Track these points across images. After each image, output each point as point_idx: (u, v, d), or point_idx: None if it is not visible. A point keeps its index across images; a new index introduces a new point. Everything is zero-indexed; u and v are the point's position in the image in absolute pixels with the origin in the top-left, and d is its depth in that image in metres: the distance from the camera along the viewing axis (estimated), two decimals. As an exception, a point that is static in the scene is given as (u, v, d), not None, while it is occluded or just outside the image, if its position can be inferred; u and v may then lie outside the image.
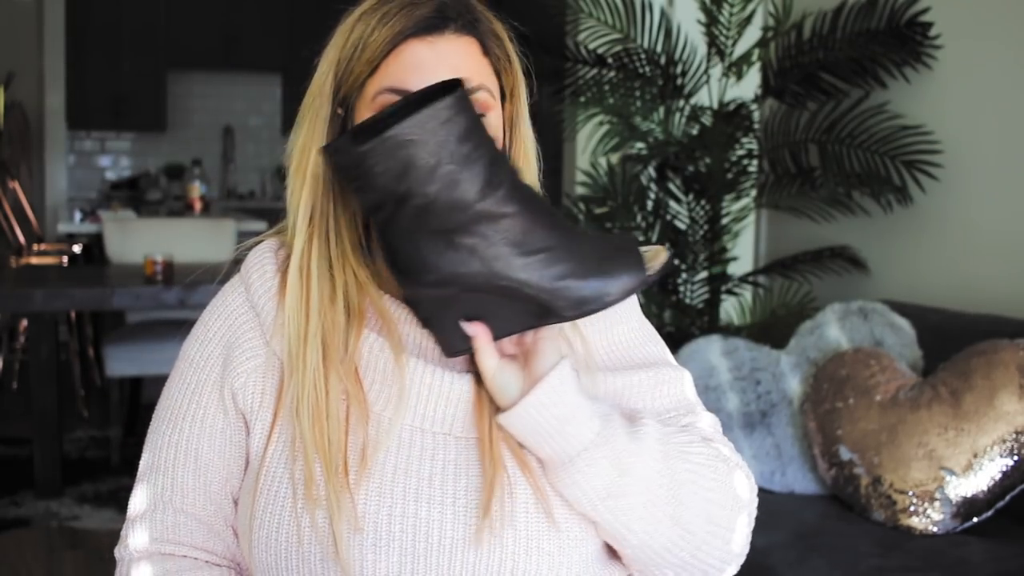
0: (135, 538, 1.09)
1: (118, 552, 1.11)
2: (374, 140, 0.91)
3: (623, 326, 1.14)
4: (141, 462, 1.12)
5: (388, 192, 0.93)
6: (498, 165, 0.95)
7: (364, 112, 1.03)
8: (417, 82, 1.00)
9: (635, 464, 0.99)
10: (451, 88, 0.95)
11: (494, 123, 1.05)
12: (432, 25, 1.01)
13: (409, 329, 1.06)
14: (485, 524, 0.99)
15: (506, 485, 1.01)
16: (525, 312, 0.98)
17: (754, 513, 1.09)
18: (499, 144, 1.06)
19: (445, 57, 1.01)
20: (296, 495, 1.01)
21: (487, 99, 1.04)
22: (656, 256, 1.00)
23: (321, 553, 0.99)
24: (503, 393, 0.99)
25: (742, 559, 1.09)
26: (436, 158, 0.92)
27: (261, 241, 1.14)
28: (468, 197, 0.93)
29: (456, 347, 1.00)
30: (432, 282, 0.96)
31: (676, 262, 3.28)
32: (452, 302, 0.97)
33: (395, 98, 1.01)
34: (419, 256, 0.95)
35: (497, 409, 1.02)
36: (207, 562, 1.09)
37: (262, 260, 1.11)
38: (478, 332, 0.98)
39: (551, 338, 0.99)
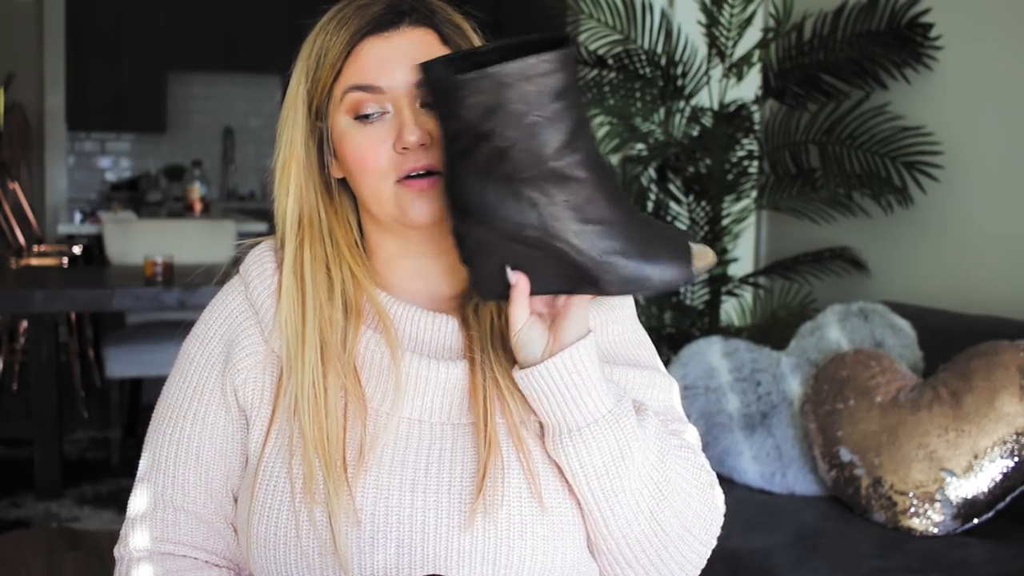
0: (135, 537, 1.10)
1: (118, 551, 1.11)
2: (476, 73, 0.91)
3: (617, 326, 1.14)
4: (141, 461, 1.12)
5: (471, 127, 0.94)
6: (582, 130, 0.95)
7: (337, 116, 1.05)
8: (378, 77, 1.03)
9: (636, 450, 1.00)
10: (560, 42, 0.95)
11: None
12: (386, 21, 1.04)
13: (405, 325, 1.08)
14: (478, 506, 1.00)
15: (500, 468, 1.02)
16: (567, 276, 0.97)
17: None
18: None
19: (402, 50, 1.04)
20: (294, 491, 1.02)
21: None
22: (704, 257, 1.00)
23: (319, 548, 1.00)
24: (526, 349, 1.00)
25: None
26: (527, 106, 0.92)
27: (260, 242, 1.15)
28: (545, 152, 0.93)
29: (492, 291, 0.99)
30: (487, 224, 0.96)
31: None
32: (499, 248, 0.97)
33: (361, 95, 1.03)
34: (481, 196, 0.95)
35: (507, 364, 1.04)
36: (207, 562, 1.10)
37: (261, 259, 1.12)
38: (519, 282, 0.98)
39: (582, 307, 1.00)
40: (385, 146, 1.03)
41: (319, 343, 1.04)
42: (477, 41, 1.09)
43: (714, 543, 1.09)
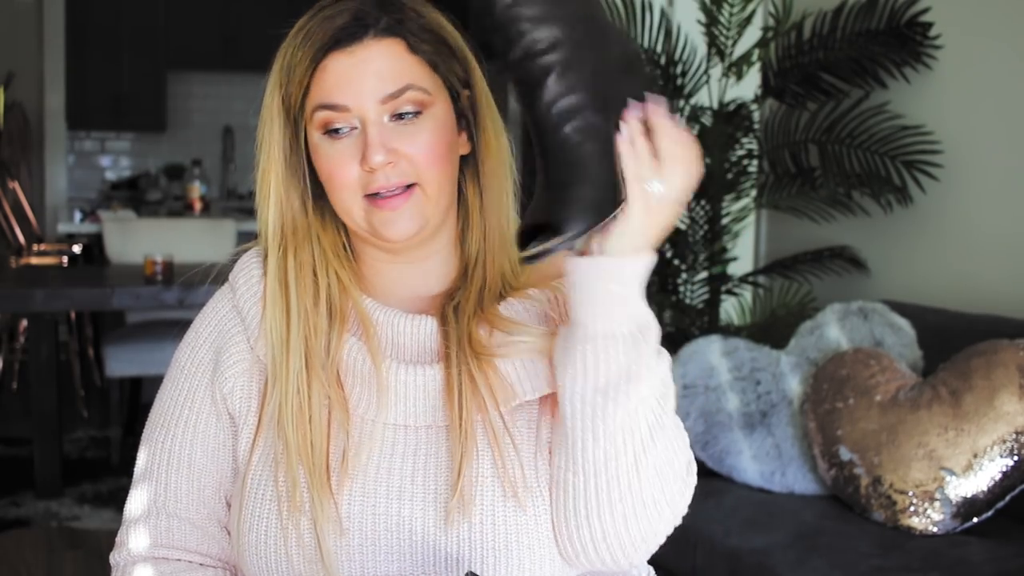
0: (131, 543, 1.10)
1: (113, 558, 1.12)
2: None
3: None
4: (136, 468, 1.13)
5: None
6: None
7: (310, 130, 1.05)
8: (343, 95, 1.01)
9: (643, 381, 0.96)
10: None
11: (440, 117, 1.04)
12: (350, 35, 1.02)
13: (386, 330, 1.07)
14: (454, 505, 0.99)
15: (475, 466, 1.01)
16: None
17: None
18: (448, 136, 1.06)
19: (367, 63, 1.02)
20: (281, 500, 1.02)
21: (419, 97, 1.03)
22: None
23: (307, 557, 1.01)
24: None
25: (644, 559, 1.05)
26: None
27: (249, 248, 1.15)
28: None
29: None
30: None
31: (676, 262, 3.28)
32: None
33: (329, 114, 1.02)
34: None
35: (482, 361, 1.03)
36: (201, 564, 1.10)
37: (248, 266, 1.12)
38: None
39: (637, 219, 0.94)
40: (354, 163, 1.02)
41: (304, 350, 1.04)
42: (457, 42, 1.07)
43: (678, 522, 1.04)
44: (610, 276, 0.94)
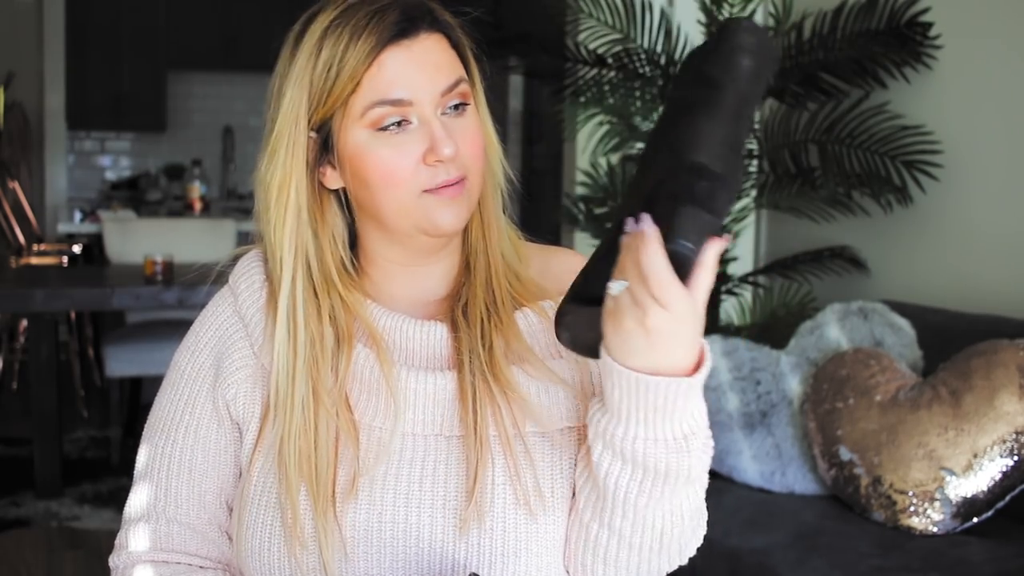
0: (130, 546, 1.10)
1: (112, 561, 1.12)
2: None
3: None
4: (135, 471, 1.13)
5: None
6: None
7: (354, 129, 1.02)
8: (404, 89, 1.00)
9: (686, 479, 0.94)
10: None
11: (475, 110, 1.05)
12: (405, 29, 1.01)
13: (395, 337, 1.06)
14: (470, 513, 0.99)
15: (490, 475, 1.01)
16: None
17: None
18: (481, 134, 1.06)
19: (424, 57, 1.01)
20: (285, 524, 1.02)
21: (467, 89, 1.04)
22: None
23: (313, 563, 1.01)
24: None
25: None
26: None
27: (249, 250, 1.13)
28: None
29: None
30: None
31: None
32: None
33: (389, 109, 1.00)
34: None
35: (497, 369, 1.03)
36: (201, 567, 1.10)
37: (250, 271, 1.11)
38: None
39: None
40: (413, 157, 1.00)
41: (309, 379, 1.03)
42: (465, 36, 1.08)
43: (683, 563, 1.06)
44: (648, 389, 0.88)
